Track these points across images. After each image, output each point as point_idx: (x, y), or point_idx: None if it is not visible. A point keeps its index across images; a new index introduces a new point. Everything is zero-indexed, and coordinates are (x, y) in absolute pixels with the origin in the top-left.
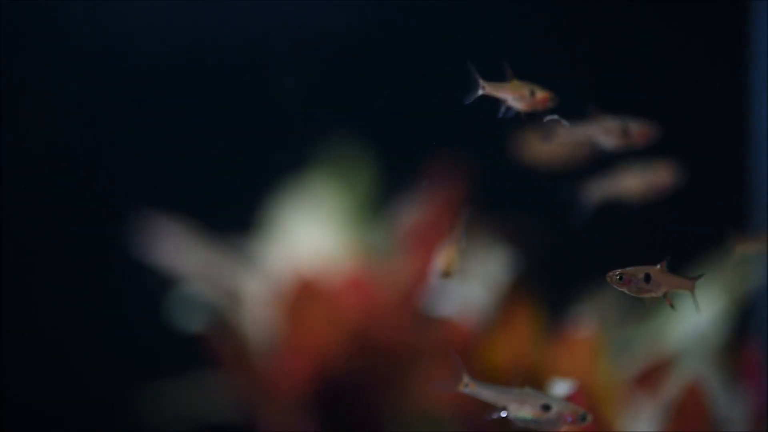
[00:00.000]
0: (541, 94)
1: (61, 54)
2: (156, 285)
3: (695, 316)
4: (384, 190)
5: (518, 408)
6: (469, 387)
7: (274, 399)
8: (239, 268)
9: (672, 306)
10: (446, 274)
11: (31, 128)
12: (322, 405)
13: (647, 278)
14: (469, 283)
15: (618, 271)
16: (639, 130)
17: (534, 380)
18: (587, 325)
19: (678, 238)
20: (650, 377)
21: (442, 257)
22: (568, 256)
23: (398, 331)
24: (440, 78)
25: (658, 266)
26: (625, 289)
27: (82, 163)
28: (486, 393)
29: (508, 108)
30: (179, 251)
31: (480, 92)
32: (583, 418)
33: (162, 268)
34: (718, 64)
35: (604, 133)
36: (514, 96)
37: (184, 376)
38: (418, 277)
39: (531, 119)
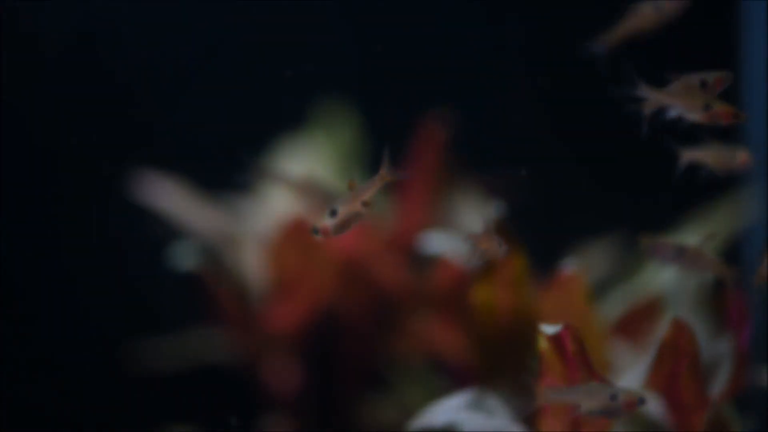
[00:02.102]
0: (721, 109)
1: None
2: (156, 234)
3: None
4: (371, 145)
5: (589, 402)
6: (550, 397)
7: (270, 341)
8: (236, 219)
9: None
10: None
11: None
12: (318, 344)
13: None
14: (457, 228)
15: None
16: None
17: (526, 321)
18: (574, 268)
19: (667, 187)
20: (636, 319)
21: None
22: (555, 205)
23: (393, 270)
24: (426, 37)
25: None
26: None
27: (87, 120)
28: (562, 397)
29: (680, 118)
30: (179, 203)
31: (642, 98)
32: (642, 402)
33: (162, 219)
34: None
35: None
36: (686, 107)
37: (183, 322)
38: (409, 222)
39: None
